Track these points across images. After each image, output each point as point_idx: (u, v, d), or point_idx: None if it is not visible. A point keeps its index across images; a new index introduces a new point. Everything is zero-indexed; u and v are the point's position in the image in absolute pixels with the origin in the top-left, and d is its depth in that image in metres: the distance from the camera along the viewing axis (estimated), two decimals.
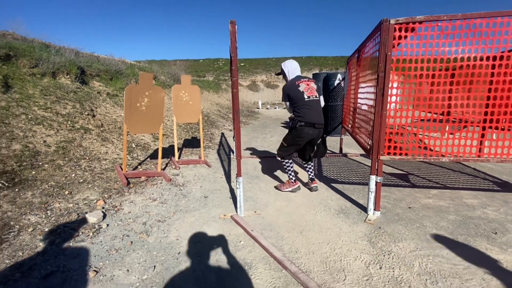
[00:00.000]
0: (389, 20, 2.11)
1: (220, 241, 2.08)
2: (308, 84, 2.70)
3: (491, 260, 1.79)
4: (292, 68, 2.81)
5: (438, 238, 2.08)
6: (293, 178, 3.00)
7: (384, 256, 1.86)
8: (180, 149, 5.13)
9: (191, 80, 4.21)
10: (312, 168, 3.09)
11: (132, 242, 2.07)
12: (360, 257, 1.85)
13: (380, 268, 1.73)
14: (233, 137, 3.49)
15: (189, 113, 4.14)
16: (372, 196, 2.43)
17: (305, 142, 2.79)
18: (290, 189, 2.99)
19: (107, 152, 4.01)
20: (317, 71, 22.34)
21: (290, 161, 2.95)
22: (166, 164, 4.12)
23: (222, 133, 7.47)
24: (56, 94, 4.75)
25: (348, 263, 1.78)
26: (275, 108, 17.14)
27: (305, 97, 2.66)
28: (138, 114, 3.24)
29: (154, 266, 1.79)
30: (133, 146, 4.58)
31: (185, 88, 4.09)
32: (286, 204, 2.77)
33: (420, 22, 2.08)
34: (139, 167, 3.89)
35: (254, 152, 5.26)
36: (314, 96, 2.69)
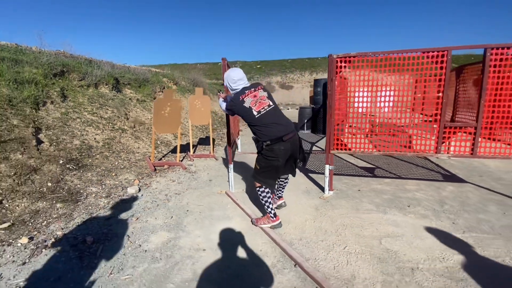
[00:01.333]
0: (333, 55, 3.01)
1: (215, 205, 3.11)
2: (255, 96, 2.25)
3: (391, 220, 2.65)
4: (232, 81, 2.34)
5: (365, 208, 2.96)
6: (272, 212, 2.45)
7: (320, 216, 2.78)
8: (195, 146, 6.25)
9: (202, 91, 5.28)
10: (286, 185, 2.81)
11: (158, 205, 3.15)
12: (304, 217, 2.79)
13: (314, 222, 2.67)
14: (226, 140, 4.49)
15: (201, 117, 5.22)
16: (327, 180, 3.34)
17: (285, 159, 2.29)
18: (268, 225, 2.47)
19: (139, 147, 5.20)
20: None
21: (267, 190, 2.40)
22: (183, 157, 5.23)
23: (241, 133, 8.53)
24: (99, 101, 6.04)
25: (294, 219, 2.73)
26: (288, 109, 18.02)
27: (255, 113, 2.21)
28: (162, 119, 4.36)
29: (172, 216, 2.85)
30: (158, 143, 5.76)
31: (198, 98, 5.17)
32: None
33: (354, 56, 2.97)
34: (163, 158, 5.03)
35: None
36: (266, 107, 2.24)
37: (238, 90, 2.37)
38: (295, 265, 2.00)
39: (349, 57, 2.99)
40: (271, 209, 2.45)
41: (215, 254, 2.19)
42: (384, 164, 4.71)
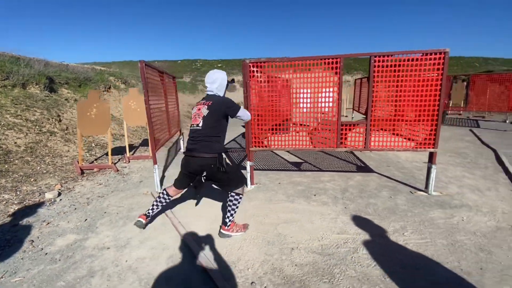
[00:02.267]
0: (246, 60, 3.25)
1: (136, 205, 3.17)
2: (199, 109, 2.30)
3: (293, 208, 2.97)
4: (206, 83, 2.38)
5: (277, 199, 3.25)
6: (148, 211, 2.56)
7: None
8: (136, 147, 6.14)
9: (138, 91, 5.21)
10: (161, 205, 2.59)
11: (76, 208, 3.11)
12: (219, 210, 2.98)
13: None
14: (173, 140, 4.54)
15: (137, 118, 5.16)
16: (248, 175, 3.59)
17: (185, 172, 2.39)
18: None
19: (68, 151, 4.98)
20: None
21: (163, 193, 2.55)
22: (119, 159, 5.14)
23: (183, 133, 8.49)
24: (26, 102, 5.63)
25: (210, 213, 2.91)
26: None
27: (191, 124, 2.35)
28: (88, 121, 4.25)
29: (86, 219, 2.85)
30: (93, 145, 5.56)
31: (134, 98, 5.10)
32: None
33: (264, 62, 3.24)
34: (96, 161, 4.89)
35: None
36: (195, 125, 2.29)
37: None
38: (193, 256, 2.17)
39: (260, 62, 3.25)
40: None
41: (118, 251, 2.27)
42: (313, 158, 5.13)
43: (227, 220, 2.43)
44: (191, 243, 2.29)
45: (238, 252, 2.19)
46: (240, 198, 2.42)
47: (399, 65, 3.07)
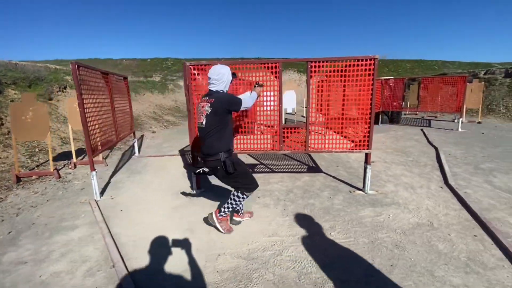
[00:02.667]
0: (187, 63, 3.20)
1: (69, 215, 3.00)
2: (203, 106, 2.28)
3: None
4: (212, 78, 2.32)
5: (222, 199, 3.25)
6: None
7: (172, 216, 2.96)
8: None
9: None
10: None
11: (3, 220, 2.89)
12: (156, 218, 2.92)
13: (164, 222, 2.82)
14: (129, 143, 4.36)
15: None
16: (194, 179, 3.54)
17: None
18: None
19: (7, 157, 4.62)
20: None
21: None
22: (65, 165, 4.85)
23: (142, 135, 8.23)
24: None
25: (146, 220, 2.84)
26: None
27: (198, 122, 2.35)
28: (25, 125, 3.96)
29: (11, 231, 2.66)
30: (37, 150, 5.21)
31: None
32: (142, 189, 3.77)
33: (205, 65, 3.22)
34: (37, 168, 4.58)
35: (159, 151, 6.18)
36: (200, 123, 2.31)
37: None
38: (112, 266, 2.10)
39: (201, 65, 3.22)
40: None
41: (35, 266, 2.14)
42: (269, 160, 5.20)
43: (222, 209, 2.49)
44: (113, 254, 2.21)
45: (163, 261, 2.16)
46: (244, 198, 2.46)
47: (334, 71, 3.20)
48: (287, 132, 3.41)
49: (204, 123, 2.27)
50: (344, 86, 3.27)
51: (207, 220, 2.58)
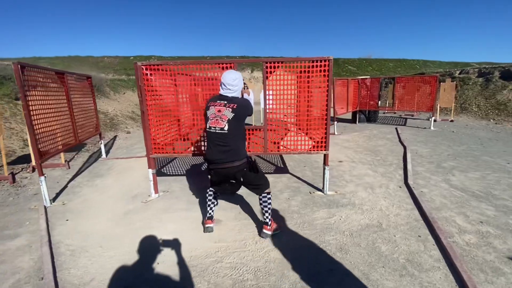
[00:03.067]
0: (138, 63, 3.09)
1: (12, 223, 2.85)
2: (220, 111, 2.16)
3: (186, 216, 2.92)
4: (221, 83, 2.25)
5: (175, 208, 3.17)
6: (207, 214, 2.61)
7: (120, 222, 2.86)
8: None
9: None
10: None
11: None
12: (106, 224, 2.81)
13: (112, 228, 2.72)
14: (99, 145, 4.17)
15: None
16: (151, 183, 3.44)
17: (218, 179, 2.41)
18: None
19: None
20: (250, 71, 23.76)
21: (209, 193, 2.59)
22: (23, 168, 4.64)
23: (115, 136, 8.01)
24: None
25: (93, 227, 2.73)
26: None
27: (207, 126, 2.23)
28: None
29: None
30: None
31: None
32: (98, 194, 3.64)
33: (157, 65, 3.12)
34: None
35: (128, 153, 6.01)
36: (218, 129, 2.16)
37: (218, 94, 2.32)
38: (41, 279, 1.99)
39: (153, 65, 3.12)
40: (208, 210, 2.62)
41: None
42: None
43: (267, 220, 2.48)
44: (46, 264, 2.10)
45: (96, 272, 2.07)
46: (270, 196, 2.48)
47: (290, 72, 3.16)
48: (249, 134, 3.36)
49: (226, 128, 2.16)
50: (301, 87, 3.24)
51: (265, 236, 2.48)
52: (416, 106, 8.78)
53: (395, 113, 12.36)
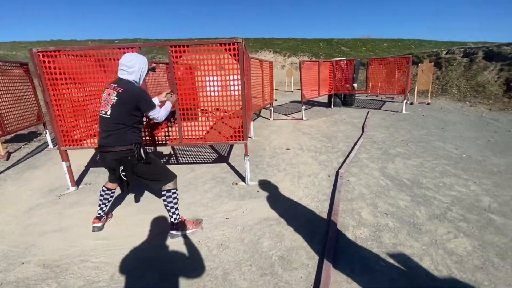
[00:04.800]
0: (33, 49, 2.87)
1: None
2: (109, 94, 2.02)
3: (89, 211, 2.81)
4: (122, 65, 2.08)
5: (88, 201, 3.06)
6: (97, 212, 2.46)
7: (23, 217, 2.76)
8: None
9: None
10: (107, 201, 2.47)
11: None
12: (21, 206, 2.72)
13: (13, 224, 2.63)
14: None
15: None
16: (67, 176, 3.32)
17: (106, 167, 2.24)
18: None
19: None
20: None
21: (103, 189, 2.42)
22: None
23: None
24: None
25: (8, 209, 2.64)
26: None
27: (100, 110, 2.09)
28: None
29: None
30: None
31: None
32: (18, 187, 3.54)
33: (54, 51, 2.90)
34: None
35: None
36: (103, 112, 2.04)
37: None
38: None
39: (49, 51, 2.90)
40: (100, 208, 2.46)
41: None
42: (186, 150, 5.00)
43: (173, 220, 2.28)
44: None
45: None
46: (174, 193, 2.26)
47: (200, 56, 2.94)
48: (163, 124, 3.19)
49: (108, 113, 2.02)
50: (210, 73, 3.02)
51: (173, 237, 2.29)
52: (389, 89, 8.48)
53: (377, 95, 12.05)
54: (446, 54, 12.78)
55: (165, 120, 2.29)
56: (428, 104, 9.32)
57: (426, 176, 3.39)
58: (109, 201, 2.48)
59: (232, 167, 3.99)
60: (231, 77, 2.97)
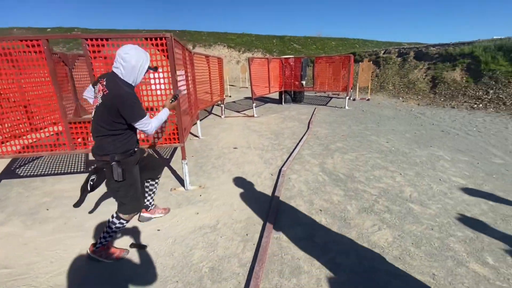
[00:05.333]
0: None
1: None
2: (99, 90, 1.75)
3: None
4: (119, 57, 1.76)
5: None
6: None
7: None
8: None
9: None
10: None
11: None
12: None
13: None
14: None
15: None
16: None
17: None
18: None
19: None
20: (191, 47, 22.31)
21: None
22: None
23: None
24: None
25: None
26: None
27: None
28: None
29: None
30: None
31: None
32: None
33: None
34: None
35: None
36: (92, 112, 1.82)
37: None
38: None
39: None
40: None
41: None
42: None
43: (100, 241, 1.97)
44: None
45: None
46: (123, 224, 1.95)
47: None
48: (76, 127, 2.80)
49: (93, 112, 1.76)
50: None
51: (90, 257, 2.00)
52: (333, 86, 8.96)
53: (325, 92, 12.69)
54: (383, 53, 14.00)
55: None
56: (368, 100, 10.11)
57: (359, 170, 3.61)
58: (153, 192, 2.46)
59: (174, 171, 3.76)
60: (161, 75, 2.73)
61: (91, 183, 1.82)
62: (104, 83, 1.72)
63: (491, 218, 2.47)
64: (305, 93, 10.52)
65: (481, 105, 7.74)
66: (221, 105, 7.72)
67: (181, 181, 3.38)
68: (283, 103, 9.84)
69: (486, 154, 4.17)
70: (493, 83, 8.22)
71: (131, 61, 1.72)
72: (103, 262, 1.97)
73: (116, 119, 1.72)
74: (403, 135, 5.33)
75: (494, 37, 10.47)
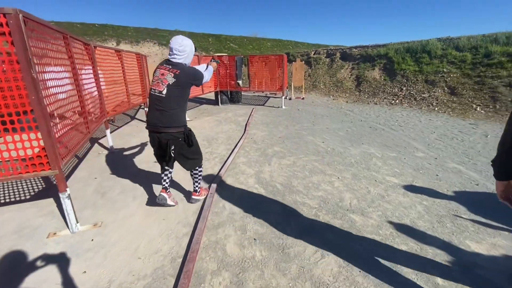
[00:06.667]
0: None
1: None
2: (163, 74, 2.17)
3: None
4: (174, 49, 2.20)
5: None
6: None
7: None
8: None
9: None
10: (168, 178, 2.55)
11: None
12: None
13: None
14: None
15: None
16: None
17: (156, 148, 2.37)
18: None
19: None
20: (114, 43, 19.56)
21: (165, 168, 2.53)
22: None
23: None
24: None
25: None
26: None
27: (151, 88, 2.23)
28: None
29: None
30: None
31: None
32: None
33: None
34: None
35: None
36: (157, 91, 2.18)
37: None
38: None
39: None
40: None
41: None
42: None
43: (196, 188, 2.65)
44: None
45: None
46: (201, 171, 2.59)
47: None
48: None
49: (164, 92, 2.16)
50: None
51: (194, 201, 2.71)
52: (270, 86, 8.76)
53: (262, 92, 12.55)
54: (314, 54, 14.66)
55: None
56: (303, 99, 10.29)
57: (297, 177, 3.26)
58: (169, 178, 2.56)
59: (60, 204, 2.77)
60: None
61: (173, 152, 2.28)
62: (170, 68, 2.15)
63: (428, 222, 2.35)
64: (242, 93, 10.13)
65: (397, 101, 8.53)
66: (145, 109, 6.68)
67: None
68: (219, 104, 9.23)
69: (409, 148, 4.35)
70: (405, 81, 9.19)
71: (186, 50, 2.20)
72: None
73: (187, 92, 2.26)
74: (337, 133, 5.32)
75: (402, 41, 11.88)
